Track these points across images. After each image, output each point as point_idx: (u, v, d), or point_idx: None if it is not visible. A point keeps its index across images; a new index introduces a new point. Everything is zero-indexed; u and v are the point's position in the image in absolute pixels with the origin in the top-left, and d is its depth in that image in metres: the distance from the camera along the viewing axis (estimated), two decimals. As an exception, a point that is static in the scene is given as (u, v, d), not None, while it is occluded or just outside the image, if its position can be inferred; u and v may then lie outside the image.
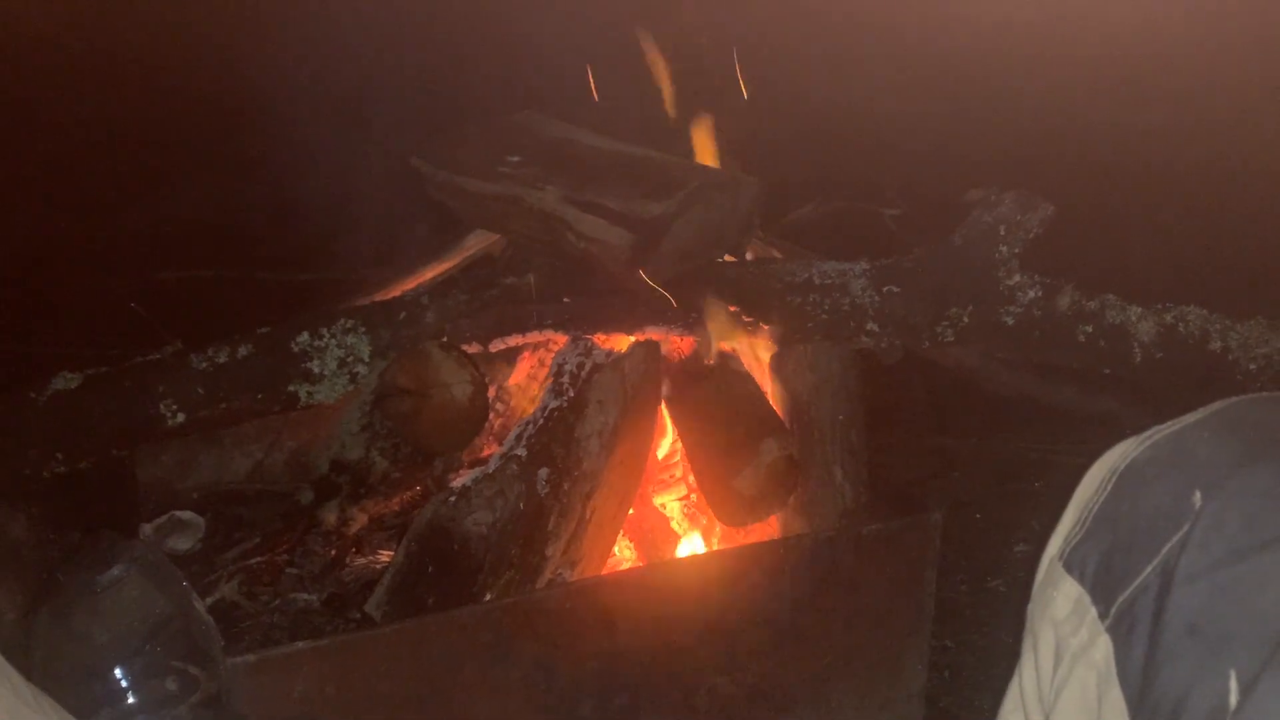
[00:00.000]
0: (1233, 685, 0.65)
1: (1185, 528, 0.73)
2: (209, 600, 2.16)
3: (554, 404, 2.11)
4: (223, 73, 3.19)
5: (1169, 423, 0.85)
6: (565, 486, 1.99)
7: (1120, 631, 0.75)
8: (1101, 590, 0.78)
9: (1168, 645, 0.70)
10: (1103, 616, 0.77)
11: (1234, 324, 2.35)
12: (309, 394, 2.32)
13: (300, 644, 1.56)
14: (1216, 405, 0.84)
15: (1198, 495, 0.74)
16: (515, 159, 2.51)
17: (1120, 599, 0.76)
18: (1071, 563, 0.82)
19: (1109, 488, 0.84)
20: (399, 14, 3.17)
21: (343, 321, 2.35)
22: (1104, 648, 0.75)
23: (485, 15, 3.07)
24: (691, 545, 2.37)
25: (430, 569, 1.83)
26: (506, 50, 2.95)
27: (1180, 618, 0.70)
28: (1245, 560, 0.69)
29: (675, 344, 2.44)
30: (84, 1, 3.32)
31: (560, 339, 2.40)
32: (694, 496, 2.41)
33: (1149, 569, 0.74)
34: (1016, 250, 2.35)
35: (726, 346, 2.40)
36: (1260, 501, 0.72)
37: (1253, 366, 2.32)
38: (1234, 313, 2.36)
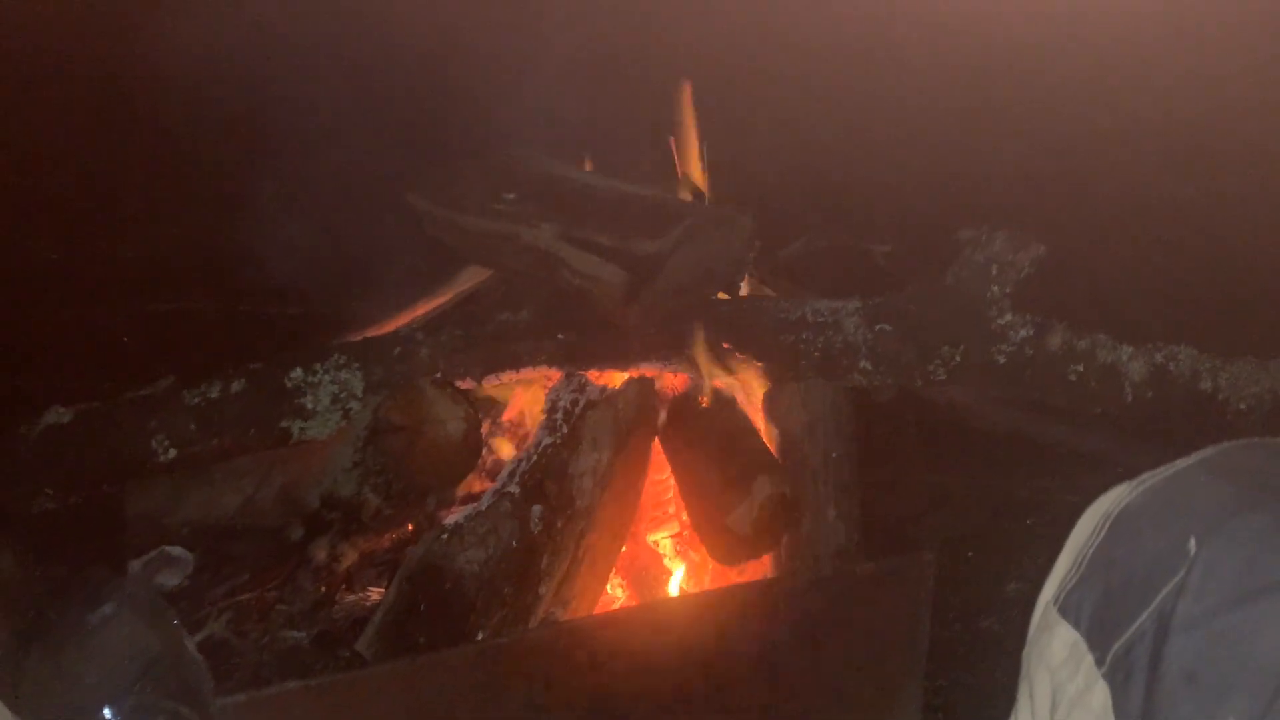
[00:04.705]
0: None
1: (1181, 574, 0.74)
2: (197, 637, 2.14)
3: (548, 441, 2.11)
4: (215, 105, 3.20)
5: (1162, 467, 0.85)
6: (559, 524, 1.98)
7: (1117, 678, 0.74)
8: (1098, 636, 0.78)
9: (1166, 693, 0.70)
10: (1099, 663, 0.77)
11: (1224, 364, 2.36)
12: (302, 430, 2.32)
13: (290, 683, 1.55)
14: (1209, 450, 0.85)
15: (1193, 541, 0.74)
16: (510, 196, 2.52)
17: (1116, 645, 0.76)
18: (1067, 608, 0.82)
19: (1103, 532, 0.84)
20: (394, 50, 3.20)
21: (336, 357, 2.35)
22: (1101, 694, 0.75)
23: (480, 52, 3.10)
24: (684, 584, 2.36)
25: (422, 607, 1.82)
26: (501, 87, 2.97)
27: (1178, 665, 0.70)
28: (1242, 607, 0.70)
29: (669, 381, 2.44)
30: (76, 35, 3.33)
31: (554, 375, 2.41)
32: (687, 534, 2.40)
33: (1145, 615, 0.74)
34: (1008, 289, 2.37)
35: (720, 384, 2.41)
36: (1255, 548, 0.72)
37: (1243, 406, 2.33)
38: (1224, 353, 2.38)
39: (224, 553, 2.39)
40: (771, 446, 2.26)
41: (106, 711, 1.32)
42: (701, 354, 2.39)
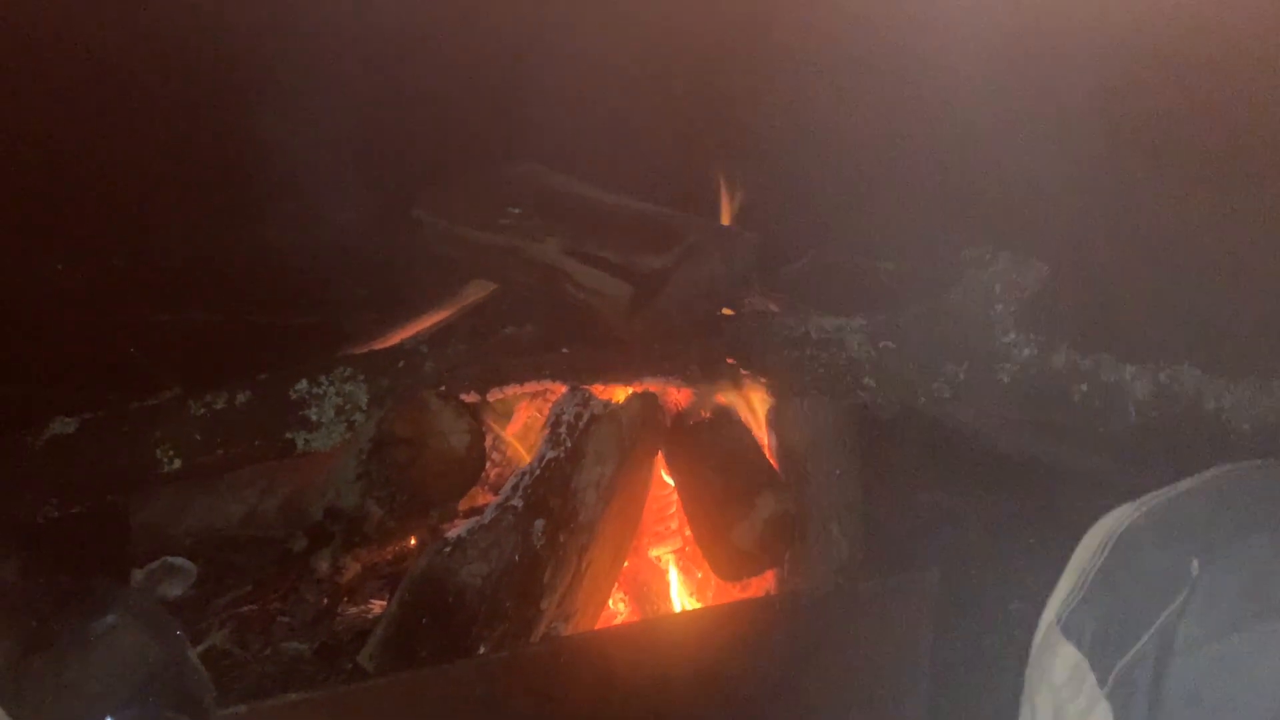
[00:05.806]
0: None
1: (1183, 595, 0.74)
2: (199, 648, 2.13)
3: (551, 454, 2.11)
4: (218, 114, 3.21)
5: (1166, 488, 0.85)
6: (561, 538, 1.98)
7: (1119, 699, 0.74)
8: (1100, 656, 0.78)
9: (1168, 715, 0.70)
10: (1101, 683, 0.77)
11: (1228, 384, 2.36)
12: (306, 441, 2.33)
13: (292, 695, 1.55)
14: (1212, 472, 0.85)
15: (1195, 563, 0.75)
16: (516, 210, 2.53)
17: (1119, 666, 0.76)
18: (1069, 628, 0.82)
19: (1106, 553, 0.84)
20: (399, 62, 3.21)
21: (341, 369, 2.36)
22: (1103, 715, 0.75)
23: (487, 66, 3.11)
24: (687, 600, 2.36)
25: (424, 620, 1.82)
26: (507, 101, 2.98)
27: (1180, 687, 0.70)
28: (1244, 629, 0.70)
29: (673, 396, 2.45)
30: (77, 39, 3.35)
31: (558, 389, 2.41)
32: (690, 549, 2.40)
33: (1147, 636, 0.75)
34: (1012, 308, 2.37)
35: (724, 399, 2.41)
36: (1258, 570, 0.72)
37: (1246, 427, 2.33)
38: (1228, 373, 2.38)
39: (227, 563, 2.39)
40: (775, 462, 2.26)
41: (109, 722, 1.33)
42: (705, 369, 2.39)
